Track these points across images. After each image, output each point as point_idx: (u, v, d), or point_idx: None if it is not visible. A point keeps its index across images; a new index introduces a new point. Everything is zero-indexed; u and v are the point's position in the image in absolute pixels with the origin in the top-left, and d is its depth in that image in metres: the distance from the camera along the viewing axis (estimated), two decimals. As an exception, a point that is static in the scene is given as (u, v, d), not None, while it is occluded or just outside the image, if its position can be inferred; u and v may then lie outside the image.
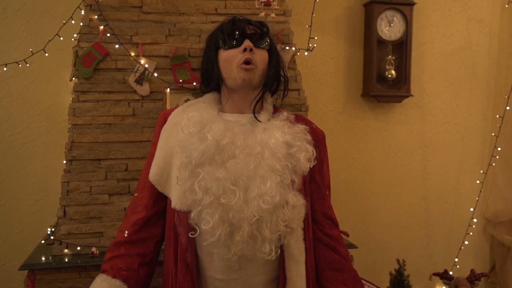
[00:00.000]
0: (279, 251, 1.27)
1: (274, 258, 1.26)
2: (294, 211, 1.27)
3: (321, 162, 1.41)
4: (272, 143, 1.28)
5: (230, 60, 1.33)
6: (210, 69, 1.39)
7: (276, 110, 1.42)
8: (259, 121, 1.35)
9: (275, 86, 1.43)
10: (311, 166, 1.31)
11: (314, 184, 1.42)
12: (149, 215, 1.39)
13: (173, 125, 1.39)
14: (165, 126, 1.40)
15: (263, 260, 1.28)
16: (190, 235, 1.28)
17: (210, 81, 1.41)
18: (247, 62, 1.31)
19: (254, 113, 1.36)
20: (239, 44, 1.33)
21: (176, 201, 1.32)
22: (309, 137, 1.33)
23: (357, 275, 1.44)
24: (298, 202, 1.28)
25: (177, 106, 1.46)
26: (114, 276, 1.32)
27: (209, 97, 1.43)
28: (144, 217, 1.38)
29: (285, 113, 1.37)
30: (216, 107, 1.38)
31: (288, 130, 1.31)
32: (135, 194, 1.43)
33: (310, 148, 1.31)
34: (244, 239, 1.22)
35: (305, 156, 1.29)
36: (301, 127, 1.34)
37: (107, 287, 1.30)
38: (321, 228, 1.44)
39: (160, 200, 1.40)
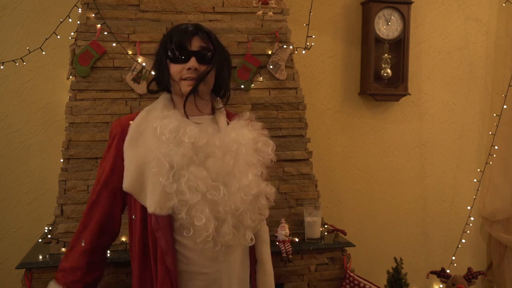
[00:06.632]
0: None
1: (253, 243, 1.43)
2: (267, 200, 1.44)
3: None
4: (244, 140, 1.43)
5: (175, 73, 1.44)
6: (161, 72, 1.49)
7: (226, 111, 1.58)
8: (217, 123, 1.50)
9: (222, 92, 1.57)
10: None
11: None
12: (104, 222, 1.51)
13: (138, 135, 1.45)
14: (127, 138, 1.45)
15: (242, 248, 1.48)
16: (184, 234, 1.37)
17: (161, 82, 1.52)
18: (191, 78, 1.43)
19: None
20: (185, 60, 1.42)
21: (155, 207, 1.37)
22: (266, 132, 1.51)
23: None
24: (271, 191, 1.45)
25: (130, 115, 1.53)
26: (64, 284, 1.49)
27: (164, 98, 1.52)
28: (99, 223, 1.50)
29: (248, 113, 1.53)
30: (179, 112, 1.46)
31: (251, 128, 1.48)
32: (91, 200, 1.52)
33: (271, 142, 1.50)
34: (230, 230, 1.35)
35: (271, 148, 1.48)
36: (259, 125, 1.51)
37: None
38: None
39: (116, 203, 1.50)
